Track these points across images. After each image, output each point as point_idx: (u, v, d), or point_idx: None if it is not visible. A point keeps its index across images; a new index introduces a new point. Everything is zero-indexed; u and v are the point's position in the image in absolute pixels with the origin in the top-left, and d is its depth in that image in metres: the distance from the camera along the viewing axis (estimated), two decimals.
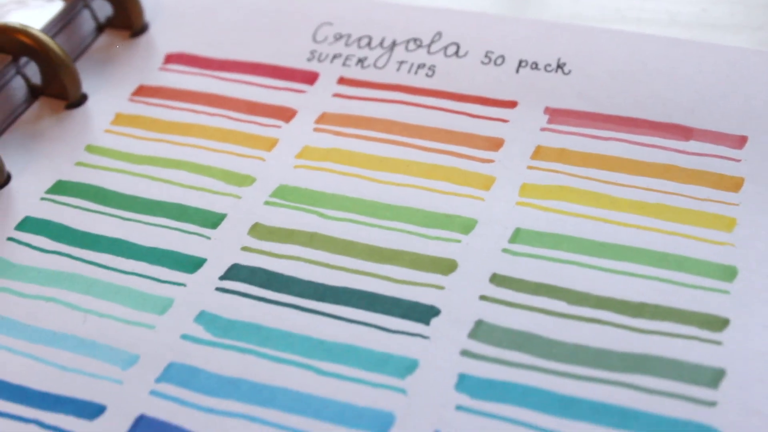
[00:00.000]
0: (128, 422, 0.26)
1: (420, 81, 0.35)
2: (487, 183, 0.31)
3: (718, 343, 0.26)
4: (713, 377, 0.26)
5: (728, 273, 0.28)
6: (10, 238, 0.31)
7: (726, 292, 0.28)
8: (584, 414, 0.25)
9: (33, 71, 0.36)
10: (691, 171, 0.31)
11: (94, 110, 0.35)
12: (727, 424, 0.25)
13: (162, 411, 0.26)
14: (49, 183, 0.33)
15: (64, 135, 0.35)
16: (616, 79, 0.34)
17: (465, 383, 0.26)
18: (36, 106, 0.36)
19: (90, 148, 0.34)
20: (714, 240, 0.29)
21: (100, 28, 0.39)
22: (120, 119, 0.35)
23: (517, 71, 0.35)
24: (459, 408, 0.26)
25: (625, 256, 0.29)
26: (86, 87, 0.36)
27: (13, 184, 0.33)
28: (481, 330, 0.27)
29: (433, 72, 0.35)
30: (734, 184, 0.30)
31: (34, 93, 0.36)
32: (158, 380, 0.27)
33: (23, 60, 0.35)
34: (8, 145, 0.34)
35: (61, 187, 0.33)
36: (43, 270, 0.30)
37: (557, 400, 0.25)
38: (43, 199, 0.32)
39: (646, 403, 0.25)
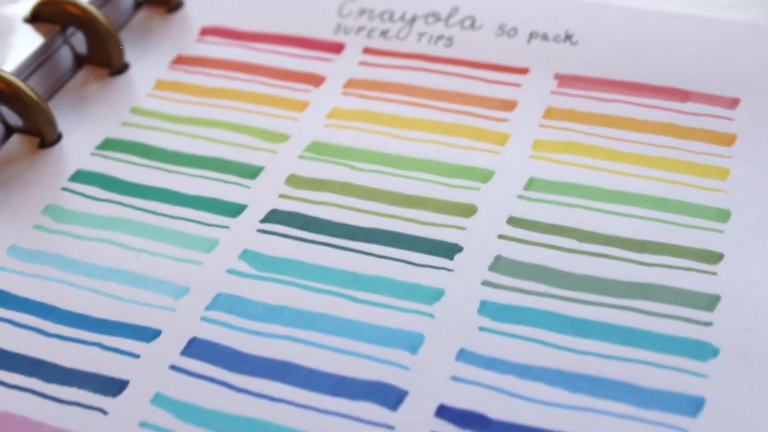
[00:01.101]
0: (182, 344, 0.29)
1: (439, 51, 0.38)
2: (502, 139, 0.34)
3: (714, 273, 0.29)
4: (709, 302, 0.28)
5: (722, 215, 0.31)
6: (64, 188, 0.34)
7: (721, 231, 0.30)
8: (593, 333, 0.28)
9: (79, 41, 0.39)
10: (688, 128, 0.34)
11: (136, 77, 0.38)
12: (722, 340, 0.27)
13: (213, 334, 0.29)
14: (98, 140, 0.36)
15: (109, 99, 0.37)
16: (619, 48, 0.37)
17: (486, 308, 0.29)
18: (82, 74, 0.39)
19: (134, 110, 0.37)
20: (709, 187, 0.32)
21: (138, 4, 0.41)
22: (161, 85, 0.38)
23: (529, 42, 0.38)
24: (482, 329, 0.28)
25: (629, 201, 0.32)
26: (127, 57, 0.39)
27: (64, 141, 0.36)
28: (500, 263, 0.30)
29: (451, 43, 0.38)
30: (727, 140, 0.33)
31: (80, 62, 0.39)
32: (208, 308, 0.30)
33: (70, 30, 0.38)
34: (58, 107, 0.37)
35: (109, 144, 0.36)
36: (96, 215, 0.33)
37: (569, 322, 0.28)
38: (93, 154, 0.35)
39: (649, 324, 0.28)
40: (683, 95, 0.35)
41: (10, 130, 0.36)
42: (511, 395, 0.27)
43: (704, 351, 0.27)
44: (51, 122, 0.35)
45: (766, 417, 0.26)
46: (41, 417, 0.27)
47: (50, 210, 0.33)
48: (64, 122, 0.36)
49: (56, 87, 0.38)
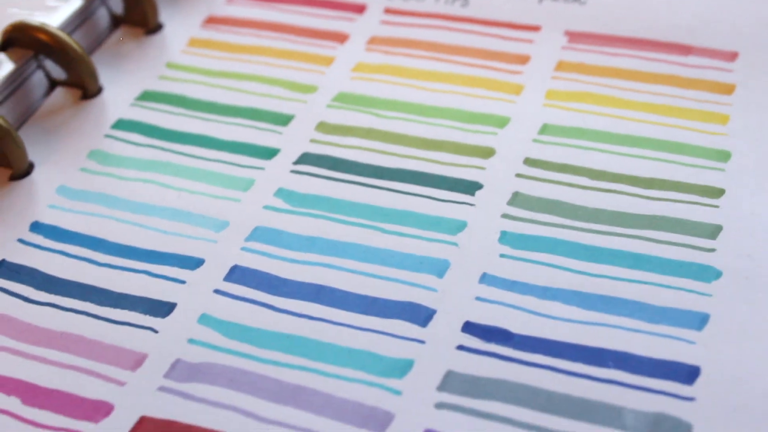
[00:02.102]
0: (224, 271, 0.31)
1: (456, 10, 0.40)
2: (517, 89, 0.36)
3: (716, 206, 0.32)
4: (712, 231, 0.31)
5: (723, 155, 0.33)
6: (107, 135, 0.36)
7: (722, 170, 0.33)
8: (605, 258, 0.30)
9: (116, 2, 0.41)
10: (690, 79, 0.36)
11: (170, 36, 0.41)
12: (724, 264, 0.30)
13: (252, 262, 0.31)
14: (137, 92, 0.38)
15: (145, 55, 0.40)
16: (625, 6, 0.39)
17: (506, 237, 0.31)
18: (117, 34, 0.41)
19: (170, 65, 0.39)
20: (711, 131, 0.34)
21: None
22: (194, 42, 0.40)
23: (540, 2, 0.40)
24: (502, 255, 0.31)
25: (636, 143, 0.34)
26: (161, 18, 0.41)
27: (105, 94, 0.38)
28: (517, 199, 0.32)
29: (467, 3, 0.40)
30: (727, 89, 0.36)
31: (116, 22, 0.41)
32: (247, 239, 0.32)
33: None
34: (97, 62, 0.39)
35: (147, 96, 0.38)
36: (138, 159, 0.35)
37: (582, 248, 0.31)
38: (132, 105, 0.37)
39: (657, 250, 0.30)
40: (685, 50, 0.37)
41: (53, 84, 0.38)
42: (531, 313, 0.29)
43: (708, 274, 0.30)
44: (93, 75, 0.38)
45: (764, 330, 0.28)
46: (96, 336, 0.30)
47: (95, 155, 0.36)
48: (103, 76, 0.39)
49: (94, 45, 0.40)
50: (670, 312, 0.29)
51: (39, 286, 0.31)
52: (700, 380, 0.27)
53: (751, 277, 0.29)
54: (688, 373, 0.27)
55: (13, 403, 0.28)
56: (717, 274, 0.30)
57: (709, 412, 0.26)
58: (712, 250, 0.30)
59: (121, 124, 0.37)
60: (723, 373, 0.27)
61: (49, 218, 0.33)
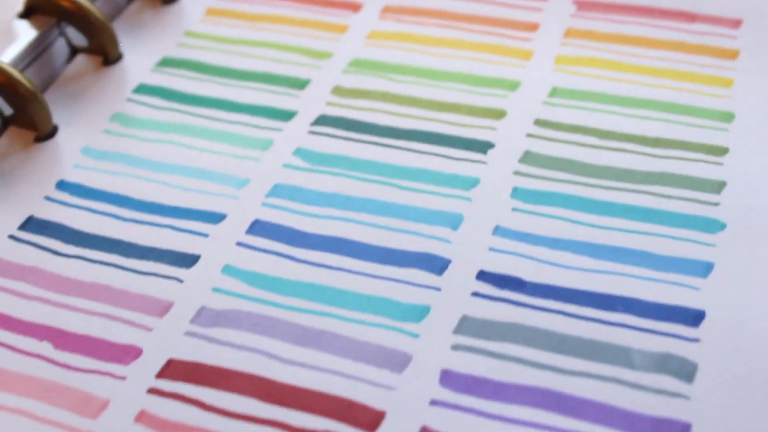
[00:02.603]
0: (246, 224, 0.32)
1: None
2: (526, 55, 0.38)
3: (720, 164, 0.33)
4: (717, 186, 0.32)
5: (727, 117, 0.34)
6: (129, 99, 0.37)
7: (726, 130, 0.34)
8: (614, 211, 0.31)
9: None
10: (695, 45, 0.37)
11: (187, 6, 0.42)
12: (728, 217, 0.31)
13: (273, 216, 0.32)
14: (157, 59, 0.39)
15: (164, 24, 0.41)
16: None
17: (518, 193, 0.32)
18: (136, 4, 0.42)
19: (188, 33, 0.40)
20: (715, 94, 0.35)
21: None
22: (211, 12, 0.41)
23: None
24: (515, 209, 0.32)
25: (643, 105, 0.35)
26: None
27: (125, 61, 0.39)
28: (529, 157, 0.34)
29: None
30: (731, 54, 0.37)
31: None
32: (267, 195, 0.33)
33: None
34: (117, 31, 0.40)
35: (167, 62, 0.39)
36: (160, 122, 0.36)
37: (591, 203, 0.32)
38: (153, 71, 0.39)
39: (664, 204, 0.32)
40: (691, 17, 0.39)
41: (74, 51, 0.39)
42: (543, 262, 0.30)
43: (712, 226, 0.31)
44: (114, 41, 0.39)
45: (766, 276, 0.29)
46: (123, 286, 0.31)
47: (117, 117, 0.37)
48: (123, 44, 0.40)
49: (114, 14, 0.41)
50: (676, 261, 0.30)
51: (67, 240, 0.32)
52: (704, 323, 0.28)
53: (754, 228, 0.31)
54: (693, 317, 0.28)
55: (45, 348, 0.29)
56: (721, 226, 0.31)
57: (714, 353, 0.27)
58: (717, 204, 0.31)
59: (143, 89, 0.38)
60: (727, 317, 0.28)
61: (74, 177, 0.35)
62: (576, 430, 0.26)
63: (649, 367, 0.27)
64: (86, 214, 0.33)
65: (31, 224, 0.33)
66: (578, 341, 0.28)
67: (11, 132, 0.36)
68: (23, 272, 0.32)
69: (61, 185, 0.34)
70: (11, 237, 0.33)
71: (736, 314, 0.28)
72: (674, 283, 0.29)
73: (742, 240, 0.30)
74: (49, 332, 0.30)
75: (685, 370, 0.27)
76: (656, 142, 0.34)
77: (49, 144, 0.36)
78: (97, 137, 0.36)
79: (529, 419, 0.26)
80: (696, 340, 0.28)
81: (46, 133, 0.36)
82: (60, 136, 0.36)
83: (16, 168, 0.35)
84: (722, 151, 0.33)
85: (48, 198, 0.34)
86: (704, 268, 0.30)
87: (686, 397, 0.26)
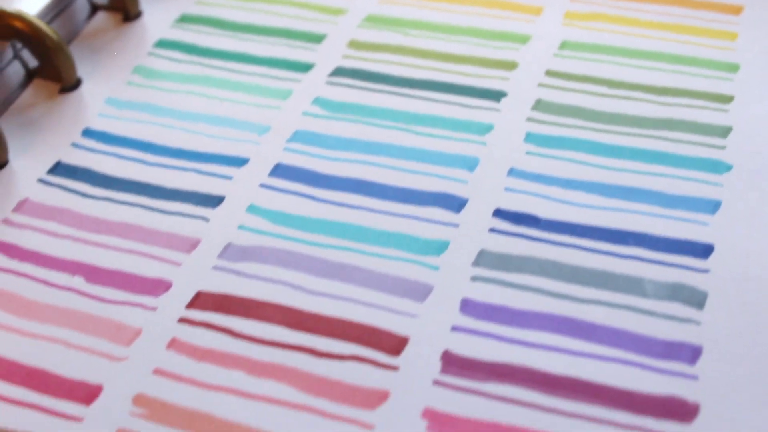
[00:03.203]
0: (268, 168, 0.33)
1: None
2: (536, 11, 0.39)
3: (726, 110, 0.34)
4: (723, 131, 0.33)
5: (732, 67, 0.36)
6: (150, 53, 0.39)
7: (730, 80, 0.35)
8: (625, 154, 0.33)
9: None
10: (701, 2, 0.39)
11: None
12: (734, 159, 0.32)
13: (295, 160, 0.34)
14: (176, 15, 0.40)
15: None
16: None
17: (531, 138, 0.34)
18: None
19: None
20: (720, 46, 0.37)
21: None
22: None
23: None
24: (528, 153, 0.33)
25: (650, 57, 0.36)
26: None
27: (145, 17, 0.40)
28: (540, 105, 0.35)
29: None
30: (735, 10, 0.38)
31: None
32: (288, 141, 0.34)
33: None
34: None
35: (186, 18, 0.40)
36: (181, 74, 0.37)
37: (602, 147, 0.33)
38: (172, 27, 0.40)
39: (672, 147, 0.33)
40: None
41: (95, 8, 0.40)
42: (557, 201, 0.31)
43: (719, 167, 0.32)
44: None
45: None
46: (152, 225, 0.32)
47: (139, 70, 0.38)
48: (143, 1, 0.41)
49: None
50: (685, 199, 0.31)
51: (95, 183, 0.33)
52: (714, 255, 0.29)
53: (759, 169, 0.32)
54: (702, 250, 0.30)
55: (77, 282, 0.30)
56: (727, 168, 0.32)
57: (723, 282, 0.29)
58: (723, 147, 0.33)
59: (163, 44, 0.39)
60: (734, 249, 0.29)
61: (99, 125, 0.36)
62: (591, 352, 0.27)
63: (661, 295, 0.28)
64: (112, 159, 0.34)
65: (60, 169, 0.34)
66: (592, 272, 0.29)
67: (36, 84, 0.37)
68: (53, 213, 0.33)
69: (87, 133, 0.35)
70: (41, 181, 0.34)
71: (743, 247, 0.29)
72: (684, 220, 0.30)
73: (748, 180, 0.31)
74: (81, 267, 0.31)
75: (696, 298, 0.28)
76: (664, 91, 0.35)
77: (73, 95, 0.37)
78: (120, 88, 0.37)
79: (546, 343, 0.28)
80: (706, 271, 0.29)
81: (70, 84, 0.37)
82: (84, 88, 0.37)
83: (42, 117, 0.36)
84: (728, 99, 0.34)
85: (75, 145, 0.35)
86: (712, 206, 0.31)
87: (697, 323, 0.28)
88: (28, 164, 0.34)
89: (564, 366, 0.27)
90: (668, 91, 0.35)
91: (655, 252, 0.30)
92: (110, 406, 0.27)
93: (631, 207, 0.31)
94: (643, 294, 0.28)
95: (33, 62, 0.37)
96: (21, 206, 0.33)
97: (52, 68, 0.37)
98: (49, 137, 0.35)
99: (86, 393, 0.27)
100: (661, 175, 0.32)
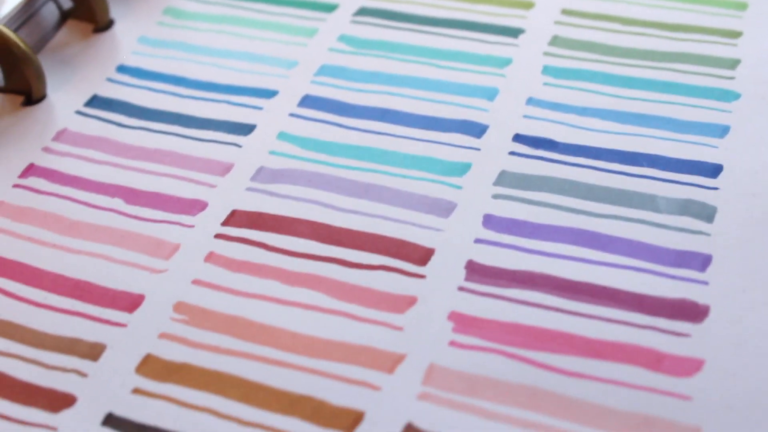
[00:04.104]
0: (297, 99, 0.35)
1: None
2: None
3: (735, 45, 0.36)
4: (732, 63, 0.35)
5: (741, 6, 0.37)
6: None
7: (740, 17, 0.37)
8: (638, 85, 0.34)
9: None
10: None
11: None
12: (743, 88, 0.34)
13: (322, 92, 0.35)
14: None
15: None
16: None
17: (548, 70, 0.35)
18: None
19: None
20: None
21: None
22: None
23: None
24: (546, 84, 0.35)
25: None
26: None
27: None
28: (557, 41, 0.36)
29: None
30: None
31: None
32: (316, 74, 0.36)
33: None
34: None
35: None
36: (210, 14, 0.39)
37: (616, 78, 0.35)
38: None
39: (683, 78, 0.34)
40: None
41: None
42: (573, 126, 0.33)
43: (728, 95, 0.34)
44: None
45: None
46: (187, 151, 0.34)
47: (170, 11, 0.39)
48: None
49: None
50: (695, 124, 0.33)
51: (130, 114, 0.35)
52: (722, 175, 0.31)
53: (766, 96, 0.33)
54: (712, 170, 0.31)
55: (117, 203, 0.32)
56: (736, 96, 0.34)
57: (731, 198, 0.30)
58: (732, 78, 0.34)
59: None
60: (743, 169, 0.31)
61: (133, 62, 0.37)
62: (607, 261, 0.29)
63: (673, 210, 0.30)
64: (146, 92, 0.36)
65: (96, 101, 0.36)
66: (607, 190, 0.31)
67: (70, 24, 0.39)
68: (91, 141, 0.34)
69: (121, 69, 0.37)
70: (78, 112, 0.35)
71: (751, 166, 0.31)
72: (694, 143, 0.32)
73: (756, 107, 0.33)
74: (120, 190, 0.32)
75: (706, 212, 0.30)
76: (675, 27, 0.36)
77: (106, 34, 0.39)
78: (152, 28, 0.39)
79: (564, 253, 0.29)
80: (715, 188, 0.30)
81: (104, 24, 0.39)
82: (116, 28, 0.39)
83: (77, 55, 0.38)
84: (736, 34, 0.36)
85: (110, 79, 0.37)
86: (721, 130, 0.32)
87: (707, 234, 0.29)
88: (66, 98, 0.36)
89: (582, 273, 0.28)
90: (680, 28, 0.36)
91: (667, 172, 0.31)
92: (152, 314, 0.29)
93: (644, 132, 0.33)
94: (656, 209, 0.30)
95: (67, 3, 0.39)
96: (60, 135, 0.34)
97: (86, 9, 0.39)
98: (84, 73, 0.37)
99: (129, 302, 0.29)
100: (673, 103, 0.33)
